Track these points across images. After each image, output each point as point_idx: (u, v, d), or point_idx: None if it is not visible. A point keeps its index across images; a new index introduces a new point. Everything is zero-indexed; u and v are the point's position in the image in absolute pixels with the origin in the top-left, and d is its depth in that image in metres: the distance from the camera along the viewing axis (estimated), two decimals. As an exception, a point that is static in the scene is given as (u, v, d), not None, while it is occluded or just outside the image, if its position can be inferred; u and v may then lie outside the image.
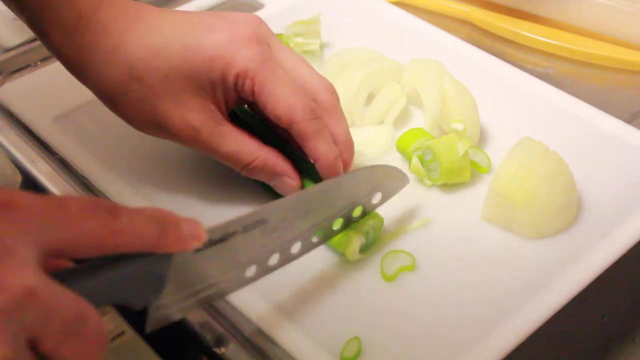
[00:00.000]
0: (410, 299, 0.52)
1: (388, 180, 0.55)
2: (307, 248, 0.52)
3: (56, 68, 0.57)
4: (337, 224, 0.53)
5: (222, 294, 0.47)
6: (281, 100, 0.53)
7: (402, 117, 0.66)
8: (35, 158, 0.63)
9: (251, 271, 0.48)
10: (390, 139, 0.63)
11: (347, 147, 0.57)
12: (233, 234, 0.45)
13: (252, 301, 0.52)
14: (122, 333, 0.64)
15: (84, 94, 0.56)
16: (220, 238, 0.44)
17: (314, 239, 0.52)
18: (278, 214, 0.48)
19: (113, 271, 0.38)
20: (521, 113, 0.67)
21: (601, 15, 0.77)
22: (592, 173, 0.61)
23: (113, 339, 0.65)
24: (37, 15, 0.53)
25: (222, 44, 0.53)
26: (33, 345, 0.34)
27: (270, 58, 0.54)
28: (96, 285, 0.38)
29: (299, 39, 0.73)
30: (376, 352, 0.49)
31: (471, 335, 0.50)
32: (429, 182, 0.60)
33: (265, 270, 0.49)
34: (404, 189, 0.57)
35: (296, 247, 0.50)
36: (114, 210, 0.37)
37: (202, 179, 0.61)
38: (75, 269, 0.38)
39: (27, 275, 0.33)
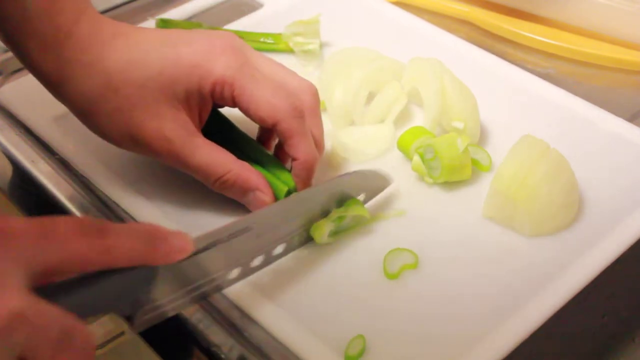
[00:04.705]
0: (413, 297, 0.52)
1: (374, 182, 0.57)
2: (291, 249, 0.54)
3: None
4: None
5: (208, 294, 0.49)
6: (263, 102, 0.54)
7: (403, 116, 0.66)
8: (35, 158, 0.63)
9: (235, 273, 0.50)
10: (391, 137, 0.63)
11: (320, 150, 0.58)
12: (217, 242, 0.47)
13: (254, 300, 0.52)
14: (122, 333, 0.64)
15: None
16: (205, 247, 0.46)
17: (296, 241, 0.54)
18: (263, 221, 0.50)
19: (99, 284, 0.40)
20: (522, 111, 0.67)
21: (601, 15, 0.77)
22: (592, 171, 0.61)
23: (113, 339, 0.65)
24: (15, 30, 0.53)
25: (199, 54, 0.54)
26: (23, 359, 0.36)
27: (247, 64, 0.55)
28: (83, 299, 0.40)
29: (299, 39, 0.73)
30: (380, 349, 0.49)
31: (473, 333, 0.50)
32: (430, 181, 0.60)
33: (248, 272, 0.51)
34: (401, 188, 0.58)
35: (279, 249, 0.53)
36: (102, 228, 0.39)
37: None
38: (63, 283, 0.40)
39: (15, 299, 0.35)
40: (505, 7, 0.82)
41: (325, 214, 0.54)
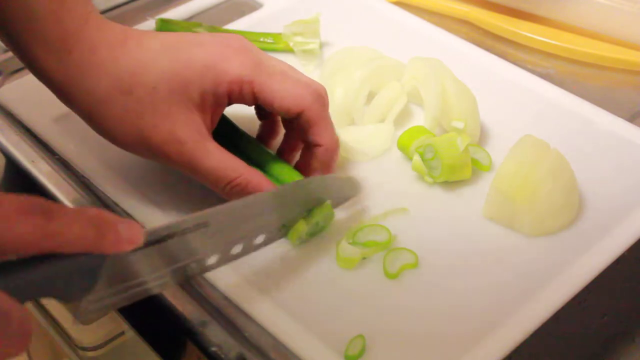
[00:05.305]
0: (413, 297, 0.53)
1: (341, 190, 0.57)
2: (249, 249, 0.52)
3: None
4: (282, 227, 0.54)
5: (159, 289, 0.47)
6: (286, 93, 0.54)
7: (403, 116, 0.66)
8: (35, 158, 0.63)
9: (189, 269, 0.48)
10: (391, 137, 0.63)
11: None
12: (172, 235, 0.45)
13: (254, 299, 0.52)
14: (122, 333, 0.64)
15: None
16: (158, 239, 0.45)
17: (257, 241, 0.52)
18: (222, 217, 0.48)
19: (42, 268, 0.39)
20: (522, 111, 0.67)
21: (601, 15, 0.77)
22: (593, 171, 0.61)
23: (113, 339, 0.65)
24: (20, 32, 0.53)
25: (212, 55, 0.54)
26: None
27: (261, 63, 0.55)
28: (24, 282, 0.38)
29: (299, 38, 0.73)
30: (380, 349, 0.49)
31: (473, 333, 0.50)
32: (430, 180, 0.60)
33: (203, 269, 0.49)
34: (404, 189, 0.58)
35: (237, 249, 0.51)
36: (49, 211, 0.38)
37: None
38: (3, 263, 0.38)
39: None
40: (505, 7, 0.82)
41: (290, 217, 0.53)
